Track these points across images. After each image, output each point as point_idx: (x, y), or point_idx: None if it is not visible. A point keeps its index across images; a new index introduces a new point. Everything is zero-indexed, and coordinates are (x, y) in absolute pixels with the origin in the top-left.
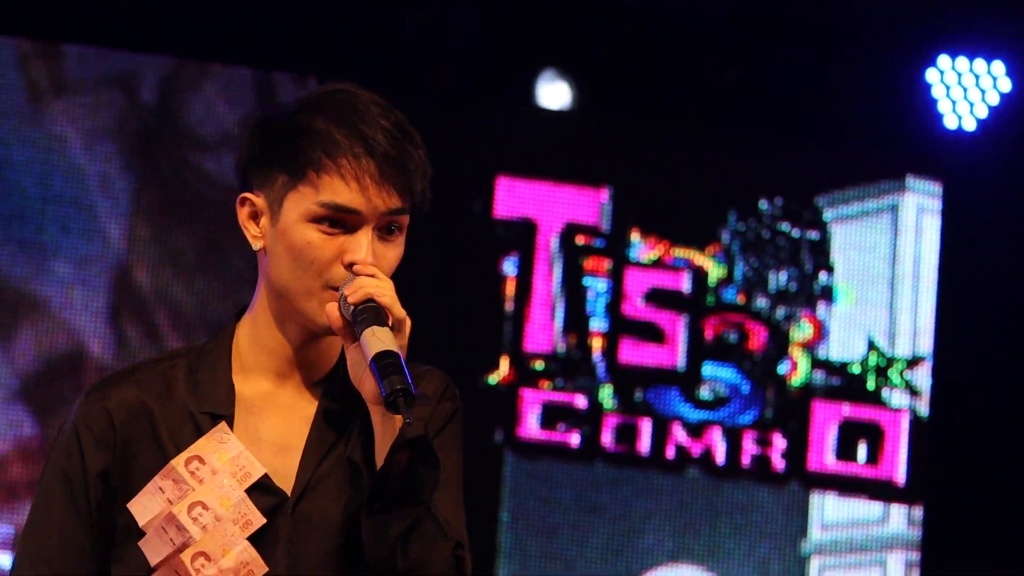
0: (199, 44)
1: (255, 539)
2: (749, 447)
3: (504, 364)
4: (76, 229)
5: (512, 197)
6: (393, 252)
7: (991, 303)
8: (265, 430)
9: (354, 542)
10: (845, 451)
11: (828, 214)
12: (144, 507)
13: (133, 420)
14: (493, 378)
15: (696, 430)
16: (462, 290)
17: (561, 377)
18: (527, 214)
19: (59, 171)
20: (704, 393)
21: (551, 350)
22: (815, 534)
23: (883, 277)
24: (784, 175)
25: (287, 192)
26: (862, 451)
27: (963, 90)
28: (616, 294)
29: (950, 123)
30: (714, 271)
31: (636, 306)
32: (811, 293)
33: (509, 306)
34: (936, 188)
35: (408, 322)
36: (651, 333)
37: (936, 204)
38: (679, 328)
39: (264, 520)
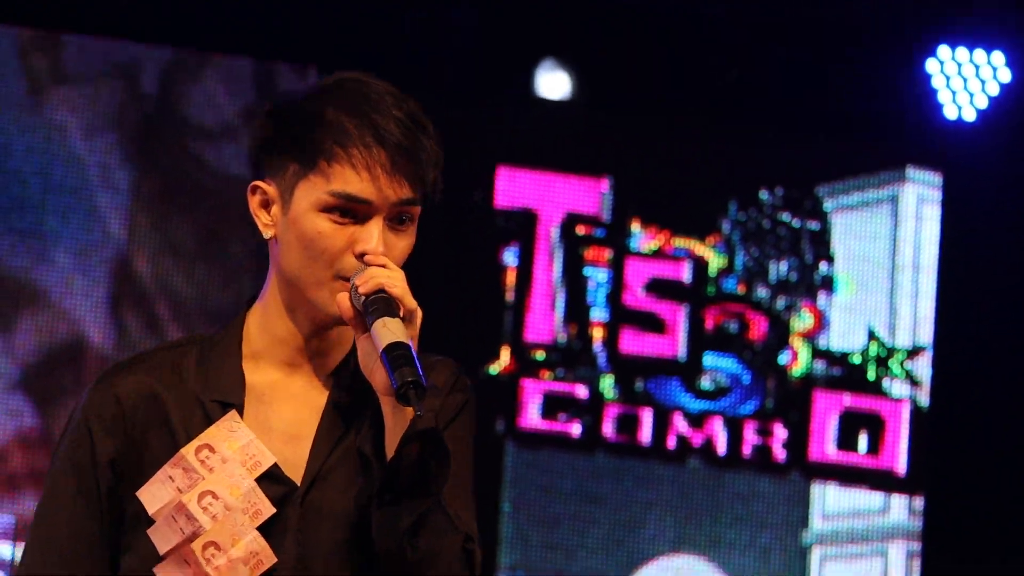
0: (199, 34)
1: (264, 529)
2: (750, 437)
3: (505, 354)
4: (76, 219)
5: (512, 187)
6: (404, 242)
7: (991, 293)
8: (275, 419)
9: (363, 533)
10: (846, 441)
11: (828, 204)
12: (153, 495)
13: (143, 407)
14: (494, 368)
15: (697, 420)
16: (463, 280)
17: (562, 367)
18: (527, 204)
19: (59, 161)
20: (705, 383)
21: (552, 340)
22: (816, 524)
23: (883, 267)
24: (785, 165)
25: (298, 181)
26: (863, 441)
27: (963, 80)
28: (617, 284)
29: (950, 113)
30: (715, 261)
31: (637, 296)
32: (811, 283)
33: (510, 296)
34: (936, 178)
35: (419, 313)
36: (652, 323)
37: (936, 194)
38: (680, 318)
39: (274, 510)
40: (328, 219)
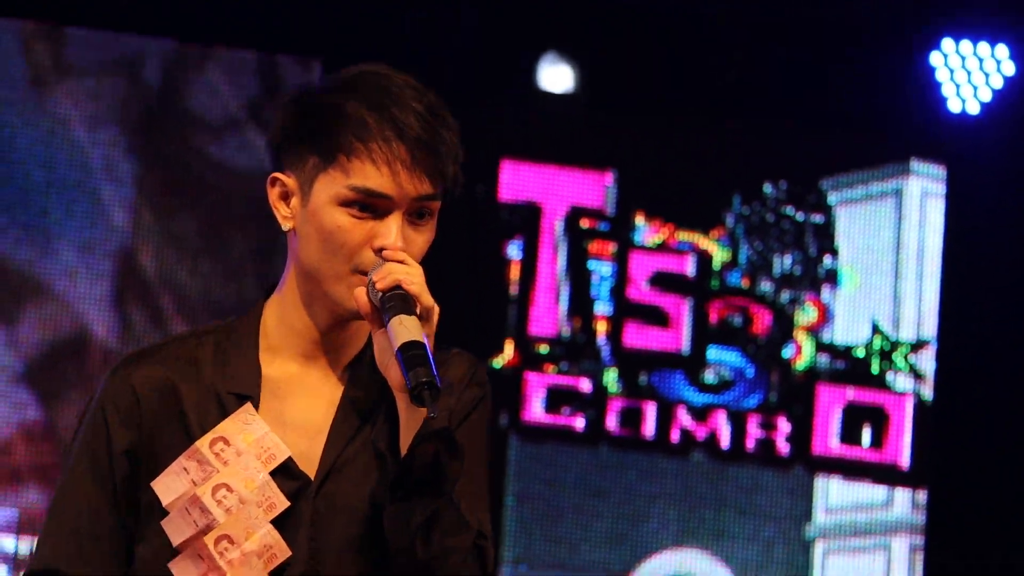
0: (203, 27)
1: (278, 522)
2: (753, 431)
3: (509, 348)
4: (80, 213)
5: (516, 181)
6: (423, 237)
7: (995, 286)
8: (290, 412)
9: (376, 528)
10: (849, 435)
11: (832, 198)
12: (168, 487)
13: (159, 398)
14: (498, 362)
15: (701, 414)
16: (467, 274)
17: (566, 361)
18: (531, 198)
19: (62, 154)
20: (709, 377)
21: (556, 334)
22: (819, 518)
23: (887, 260)
24: (788, 159)
25: (317, 174)
26: (866, 435)
27: (967, 73)
28: (621, 278)
29: (954, 107)
30: (718, 255)
31: (641, 290)
32: (815, 277)
33: (514, 290)
34: (940, 171)
35: (436, 310)
36: (656, 317)
37: (940, 187)
38: (683, 312)
39: (288, 503)
40: (347, 213)
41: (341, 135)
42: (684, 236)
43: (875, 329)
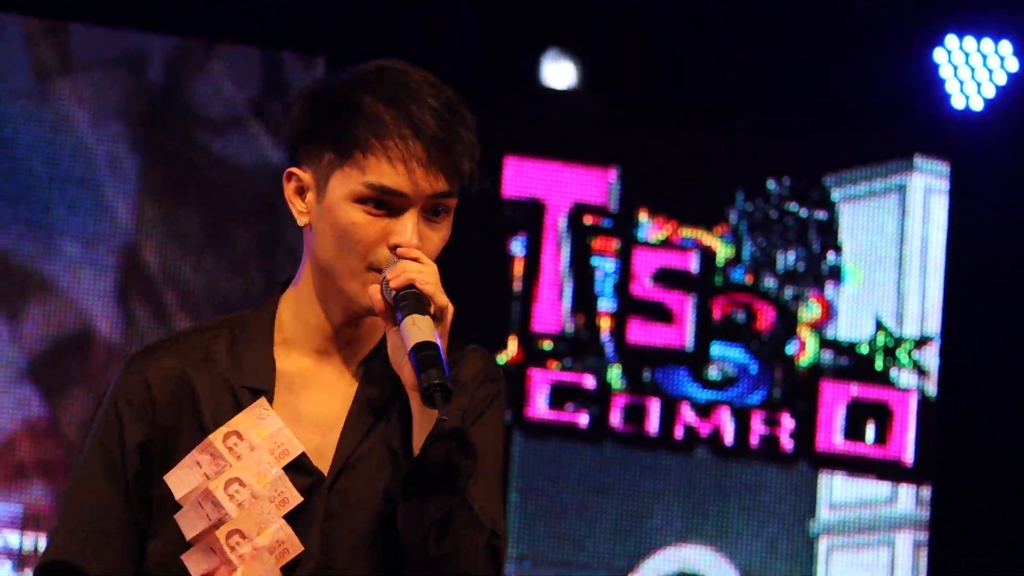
0: (206, 24)
1: (291, 518)
2: (757, 427)
3: (512, 344)
4: (84, 208)
5: (520, 177)
6: (439, 235)
7: (999, 282)
8: (304, 407)
9: (389, 525)
10: (853, 431)
11: (836, 194)
12: (181, 480)
13: (172, 392)
14: (501, 358)
15: (704, 410)
16: (470, 270)
17: (569, 357)
18: (535, 194)
19: (66, 150)
20: (712, 373)
21: (559, 330)
22: (823, 514)
23: (891, 257)
24: (792, 155)
25: (333, 170)
26: (870, 431)
27: (971, 70)
28: (624, 274)
29: (958, 103)
30: (722, 251)
31: (644, 286)
32: (819, 273)
33: (517, 286)
34: (944, 168)
35: (450, 309)
36: (659, 313)
37: (944, 184)
38: (687, 308)
39: (301, 499)
40: (362, 210)
41: (357, 131)
42: (688, 232)
43: (879, 325)
